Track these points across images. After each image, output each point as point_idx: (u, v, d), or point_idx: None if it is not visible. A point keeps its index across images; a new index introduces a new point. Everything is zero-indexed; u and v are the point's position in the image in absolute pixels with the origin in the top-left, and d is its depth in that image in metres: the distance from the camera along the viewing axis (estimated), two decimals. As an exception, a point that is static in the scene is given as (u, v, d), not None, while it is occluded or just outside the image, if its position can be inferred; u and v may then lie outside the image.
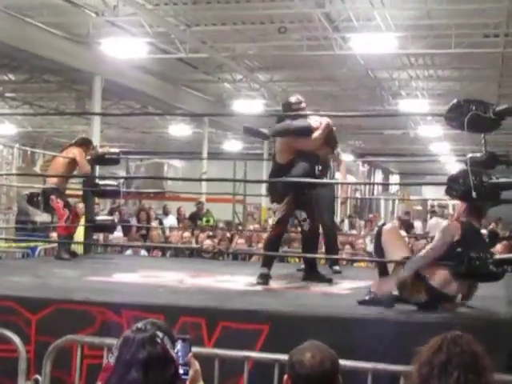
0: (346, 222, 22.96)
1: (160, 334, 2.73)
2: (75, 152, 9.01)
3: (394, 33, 14.77)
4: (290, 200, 6.91)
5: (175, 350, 2.82)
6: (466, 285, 5.25)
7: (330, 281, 6.92)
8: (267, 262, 6.92)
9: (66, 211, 8.86)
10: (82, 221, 10.42)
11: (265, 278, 6.71)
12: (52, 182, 9.09)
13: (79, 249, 10.24)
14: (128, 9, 14.06)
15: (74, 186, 13.10)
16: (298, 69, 19.38)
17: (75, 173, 9.52)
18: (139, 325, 2.78)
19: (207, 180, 20.86)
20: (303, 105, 7.12)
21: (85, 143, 9.39)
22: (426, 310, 4.99)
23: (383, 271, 5.46)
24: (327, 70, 19.12)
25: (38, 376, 4.27)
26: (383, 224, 5.90)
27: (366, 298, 5.36)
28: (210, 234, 13.30)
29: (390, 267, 5.38)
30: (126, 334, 2.75)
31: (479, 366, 2.55)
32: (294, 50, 16.78)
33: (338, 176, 8.76)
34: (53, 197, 8.84)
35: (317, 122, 6.91)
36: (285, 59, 18.23)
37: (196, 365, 3.05)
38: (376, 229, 6.89)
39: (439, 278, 5.09)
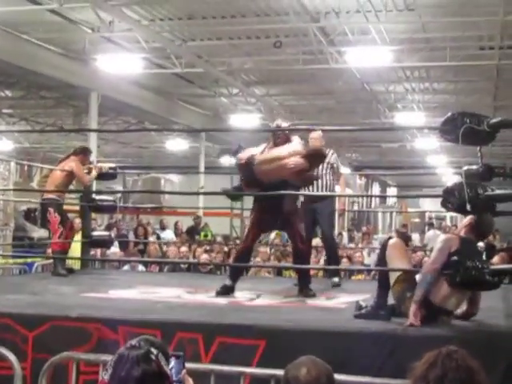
0: (345, 235, 22.96)
1: (154, 351, 2.72)
2: (72, 164, 8.95)
3: (389, 46, 14.81)
4: (253, 217, 7.13)
5: (169, 367, 2.81)
6: (465, 299, 5.25)
7: (313, 295, 6.96)
8: (232, 275, 7.17)
9: (61, 227, 8.81)
10: (79, 236, 10.42)
11: (225, 289, 6.93)
12: (49, 194, 9.01)
13: (76, 264, 10.22)
14: (123, 25, 14.10)
15: (71, 201, 13.10)
16: (294, 83, 19.44)
17: (73, 185, 9.48)
18: (133, 342, 2.76)
19: (204, 194, 20.88)
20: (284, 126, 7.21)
21: (83, 152, 9.35)
22: (423, 324, 4.98)
23: (384, 284, 5.46)
24: (323, 83, 19.17)
25: (33, 394, 4.26)
26: (390, 238, 5.89)
27: (363, 311, 5.36)
28: (208, 248, 13.28)
29: (392, 279, 5.37)
30: (120, 351, 2.74)
31: (474, 381, 2.55)
32: (290, 64, 16.81)
33: (338, 189, 8.79)
34: (51, 209, 8.76)
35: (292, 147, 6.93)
36: (281, 73, 18.27)
37: (190, 381, 3.05)
38: (378, 241, 6.91)
39: (437, 292, 5.08)
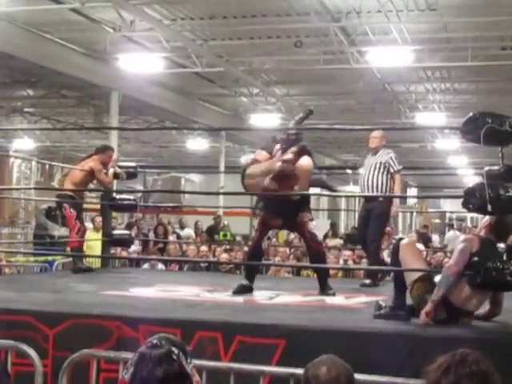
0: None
1: (175, 351, 2.69)
2: (91, 164, 8.97)
3: (411, 46, 14.77)
4: (261, 216, 7.29)
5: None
6: (486, 300, 5.22)
7: (333, 294, 6.93)
8: (247, 274, 7.19)
9: (78, 223, 8.86)
10: (100, 235, 10.47)
11: (241, 288, 6.92)
12: (66, 191, 9.10)
13: (96, 263, 10.26)
14: (145, 24, 14.15)
15: (92, 200, 13.17)
16: (315, 83, 19.42)
17: (94, 184, 9.52)
18: (154, 341, 2.73)
19: (224, 194, 20.89)
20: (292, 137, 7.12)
21: (104, 150, 9.33)
22: (443, 325, 4.96)
23: (400, 285, 5.43)
24: (344, 83, 19.14)
25: (54, 391, 4.29)
26: (400, 238, 5.86)
27: (382, 311, 5.34)
28: (228, 247, 13.28)
29: (408, 281, 5.35)
30: (141, 350, 2.72)
31: None
32: (311, 64, 16.81)
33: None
34: (66, 205, 8.81)
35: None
36: (301, 73, 18.27)
37: (196, 376, 3.05)
38: (393, 242, 6.86)
39: (458, 293, 5.06)
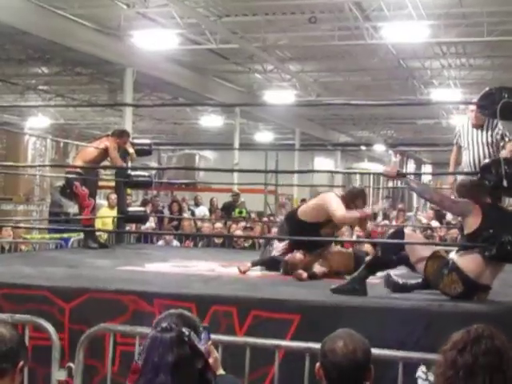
0: (380, 213, 22.84)
1: (186, 332, 2.67)
2: (107, 144, 8.92)
3: (426, 21, 14.66)
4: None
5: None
6: (499, 271, 5.23)
7: None
8: None
9: (92, 200, 8.84)
10: (114, 212, 10.49)
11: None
12: (74, 169, 9.01)
13: (111, 239, 10.28)
14: (159, 0, 14.10)
15: (106, 178, 13.17)
16: (330, 59, 19.32)
17: (106, 164, 9.47)
18: (164, 323, 2.70)
19: (239, 171, 20.89)
20: None
21: (121, 135, 9.26)
22: (459, 300, 4.96)
23: (375, 264, 5.50)
24: (359, 60, 19.04)
25: (71, 364, 4.30)
26: (396, 230, 5.97)
27: (339, 286, 5.41)
28: (246, 225, 13.13)
29: (420, 265, 5.34)
30: (152, 335, 2.70)
31: (504, 362, 2.51)
32: (325, 40, 16.72)
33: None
34: (77, 183, 8.74)
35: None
36: (316, 49, 18.18)
37: (215, 353, 3.05)
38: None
39: (474, 268, 5.06)
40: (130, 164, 10.01)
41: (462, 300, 4.97)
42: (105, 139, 9.11)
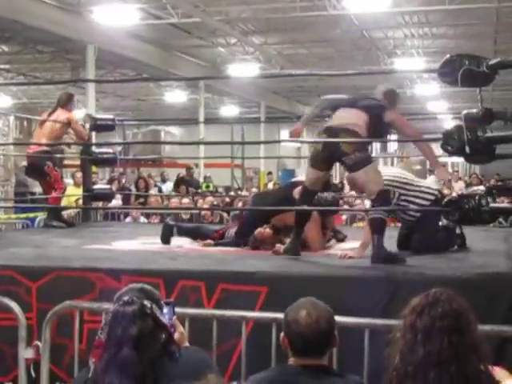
0: (346, 183, 22.94)
1: (148, 304, 2.68)
2: (68, 117, 8.52)
3: (388, -10, 14.67)
4: None
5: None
6: None
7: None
8: None
9: (63, 182, 8.69)
10: (80, 191, 10.42)
11: None
12: (40, 147, 8.42)
13: (78, 218, 10.20)
14: (119, -25, 13.95)
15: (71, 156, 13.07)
16: (293, 31, 19.27)
17: (67, 139, 9.11)
18: (125, 297, 2.71)
19: (204, 143, 20.86)
20: None
21: (69, 100, 8.79)
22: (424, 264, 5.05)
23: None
24: (322, 31, 19.02)
25: (38, 342, 4.29)
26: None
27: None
28: (213, 201, 13.12)
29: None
30: (114, 309, 2.70)
31: (462, 324, 2.56)
32: (288, 12, 16.66)
33: None
34: (49, 163, 8.36)
35: None
36: (278, 22, 18.10)
37: (181, 327, 3.07)
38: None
39: None
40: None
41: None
42: (59, 111, 8.64)
